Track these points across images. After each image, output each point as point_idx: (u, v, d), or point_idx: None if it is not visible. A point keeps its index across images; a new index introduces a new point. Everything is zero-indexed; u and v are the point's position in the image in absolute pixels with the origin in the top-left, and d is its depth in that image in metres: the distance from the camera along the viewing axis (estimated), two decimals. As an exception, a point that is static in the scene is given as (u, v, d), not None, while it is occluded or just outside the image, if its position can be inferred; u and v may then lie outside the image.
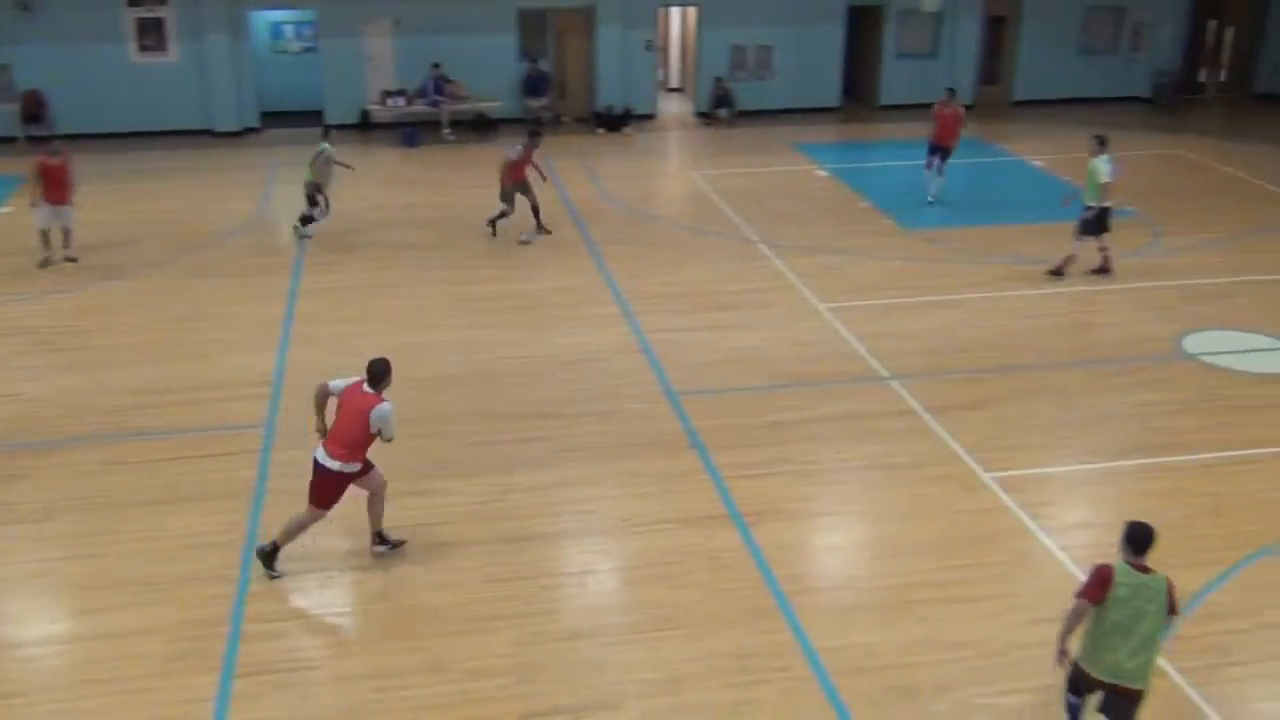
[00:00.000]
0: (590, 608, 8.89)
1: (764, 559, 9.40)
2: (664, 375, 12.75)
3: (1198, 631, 8.54)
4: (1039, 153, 22.77)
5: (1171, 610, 6.85)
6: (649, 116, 25.56)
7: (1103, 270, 15.70)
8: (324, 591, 9.02)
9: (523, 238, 17.21)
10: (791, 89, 26.01)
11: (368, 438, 8.87)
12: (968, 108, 26.17)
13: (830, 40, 25.92)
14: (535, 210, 17.44)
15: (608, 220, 18.47)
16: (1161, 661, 8.16)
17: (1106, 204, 15.28)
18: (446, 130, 23.65)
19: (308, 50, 25.24)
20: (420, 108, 23.79)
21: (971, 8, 26.25)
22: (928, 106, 26.07)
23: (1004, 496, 10.35)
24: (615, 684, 8.00)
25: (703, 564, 9.34)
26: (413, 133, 23.20)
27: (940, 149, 19.12)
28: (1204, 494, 10.36)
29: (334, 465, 8.83)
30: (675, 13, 27.94)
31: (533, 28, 24.86)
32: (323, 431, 9.09)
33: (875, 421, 11.76)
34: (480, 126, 24.00)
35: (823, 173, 21.49)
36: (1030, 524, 9.93)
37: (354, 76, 24.23)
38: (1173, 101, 27.29)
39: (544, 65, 24.84)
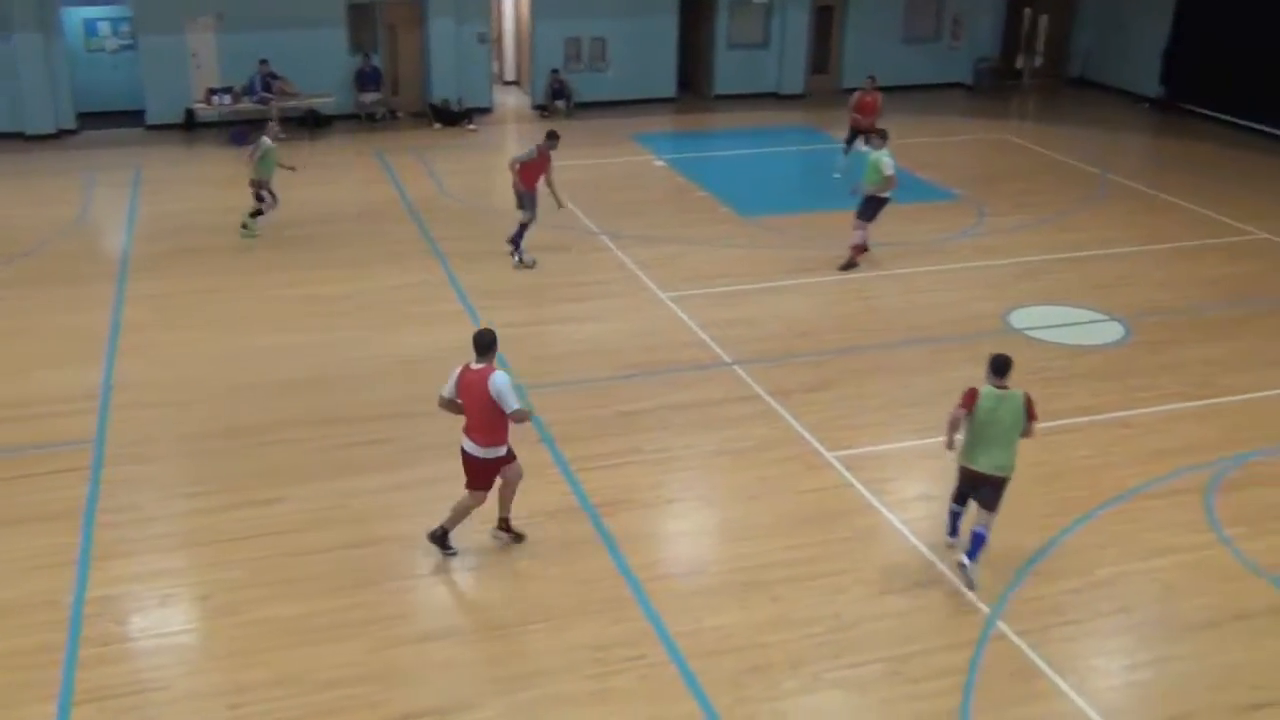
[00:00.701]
0: (444, 608, 8.80)
1: (618, 549, 9.45)
2: (511, 370, 12.67)
3: (1033, 594, 8.92)
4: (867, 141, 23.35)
5: (1029, 417, 8.77)
6: (485, 110, 25.35)
7: (850, 265, 15.86)
8: (164, 610, 8.71)
9: (524, 260, 15.91)
10: (627, 80, 26.13)
11: (499, 414, 8.77)
12: (797, 96, 26.89)
13: (664, 31, 26.13)
14: (521, 230, 15.85)
15: (448, 216, 18.26)
16: (1001, 624, 8.52)
17: (885, 195, 15.69)
18: (277, 128, 23.01)
19: (126, 48, 24.23)
20: (248, 105, 23.10)
21: (800, -1, 26.82)
22: (760, 96, 26.75)
23: (847, 474, 10.63)
24: (473, 683, 7.94)
25: (557, 557, 9.34)
26: (241, 131, 22.50)
27: (861, 132, 19.81)
28: (1034, 463, 10.78)
29: (478, 452, 8.92)
30: (508, 4, 27.77)
31: (362, 21, 24.39)
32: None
33: (721, 407, 11.94)
34: (311, 123, 23.44)
35: (661, 163, 21.66)
36: (873, 500, 10.22)
37: (176, 74, 23.36)
38: (993, 87, 28.34)
39: (375, 59, 24.41)
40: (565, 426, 11.40)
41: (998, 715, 7.67)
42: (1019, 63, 29.45)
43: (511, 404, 8.75)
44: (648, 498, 10.30)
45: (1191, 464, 10.91)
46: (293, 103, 23.33)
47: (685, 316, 14.22)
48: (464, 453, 9.06)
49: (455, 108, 24.36)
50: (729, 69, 27.03)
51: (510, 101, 26.90)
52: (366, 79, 24.19)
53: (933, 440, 11.19)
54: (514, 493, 9.39)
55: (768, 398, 12.11)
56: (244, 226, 17.04)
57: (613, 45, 25.95)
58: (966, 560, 9.05)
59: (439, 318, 14.16)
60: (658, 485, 10.52)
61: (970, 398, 8.79)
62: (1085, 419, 11.73)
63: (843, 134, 21.16)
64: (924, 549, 9.49)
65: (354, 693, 7.81)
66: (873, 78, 20.63)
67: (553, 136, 15.86)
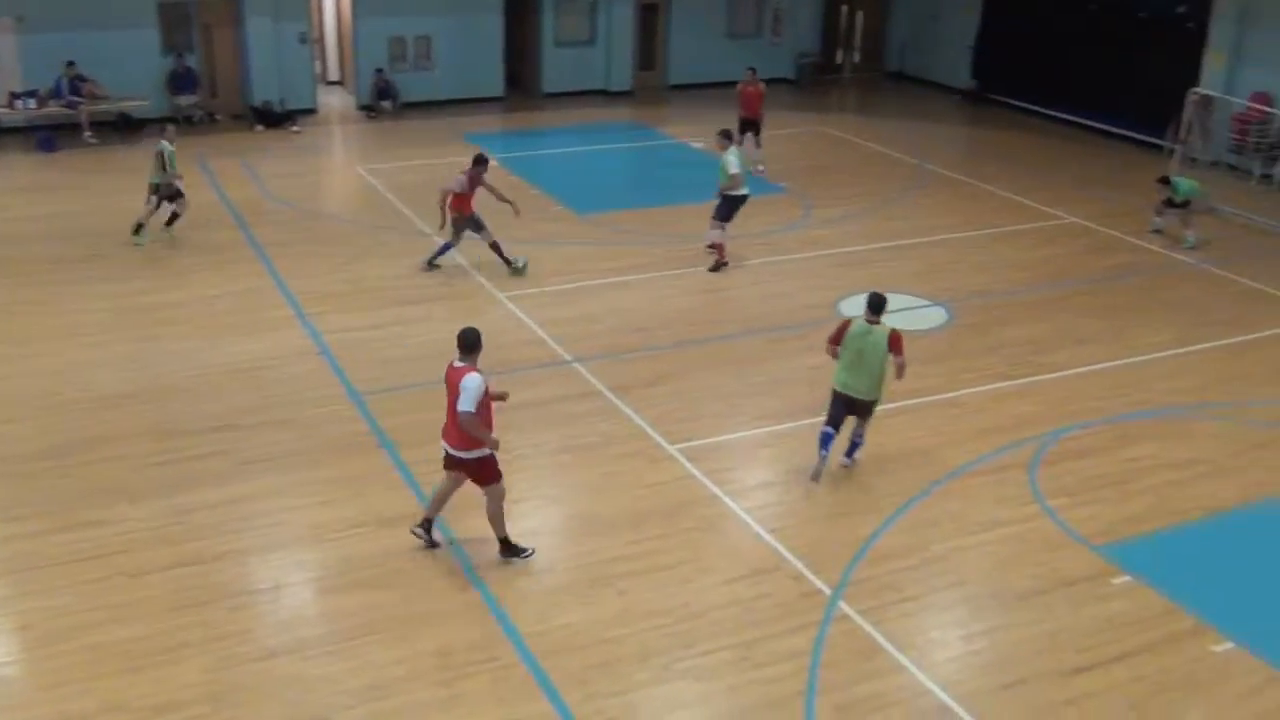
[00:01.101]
0: (286, 622, 8.57)
1: (463, 552, 9.36)
2: (345, 376, 12.43)
3: (870, 574, 9.19)
4: (695, 134, 23.65)
5: (893, 351, 9.97)
6: (310, 111, 24.76)
7: (719, 266, 15.88)
8: (-15, 641, 8.26)
9: (516, 264, 15.54)
10: (454, 79, 25.87)
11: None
12: (626, 93, 27.07)
13: (489, 29, 25.96)
14: (495, 248, 15.44)
15: (274, 220, 17.77)
16: (843, 604, 8.76)
17: (736, 193, 15.77)
18: (88, 133, 22.04)
19: (-84, 51, 22.81)
20: (55, 109, 22.03)
21: (624, -5, 26.98)
22: (589, 94, 26.83)
23: (689, 466, 10.76)
24: (320, 698, 7.75)
25: (401, 564, 9.20)
26: (49, 137, 21.45)
27: (750, 123, 20.20)
28: (871, 445, 11.12)
29: (457, 453, 8.78)
30: (329, 3, 27.15)
31: (175, 21, 23.49)
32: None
33: (563, 405, 11.94)
34: (124, 127, 22.48)
35: (492, 162, 21.45)
36: (715, 490, 10.37)
37: (-26, 78, 22.12)
38: (814, 82, 29.06)
39: (190, 61, 23.57)
40: (406, 431, 11.24)
41: (843, 693, 7.88)
42: (839, 58, 30.27)
43: (464, 404, 8.53)
44: (492, 499, 10.22)
45: (1016, 440, 11.40)
46: (103, 106, 22.33)
47: (524, 316, 14.17)
48: (445, 455, 8.95)
49: (278, 109, 23.72)
50: (556, 67, 27.03)
51: (335, 102, 26.33)
52: (181, 81, 23.34)
53: (771, 429, 11.45)
54: (500, 511, 9.21)
55: (609, 394, 12.17)
56: (168, 231, 16.52)
57: (438, 44, 25.65)
58: (848, 459, 10.65)
59: (269, 324, 13.77)
60: (502, 486, 10.45)
61: (842, 328, 10.16)
62: (915, 401, 12.12)
63: (672, 130, 21.38)
64: (766, 536, 9.67)
65: (192, 714, 7.53)
66: (753, 70, 20.94)
67: (480, 161, 15.35)
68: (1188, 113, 19.41)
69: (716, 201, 15.89)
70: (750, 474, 10.80)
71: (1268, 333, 14.27)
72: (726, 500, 10.22)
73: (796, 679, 8.00)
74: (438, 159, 21.32)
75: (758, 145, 20.66)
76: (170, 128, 16.67)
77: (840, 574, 9.18)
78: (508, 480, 10.50)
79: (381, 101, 24.93)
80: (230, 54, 24.16)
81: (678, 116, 25.55)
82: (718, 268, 15.86)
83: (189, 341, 13.28)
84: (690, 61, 28.21)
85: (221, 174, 20.03)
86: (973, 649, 8.46)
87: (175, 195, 16.42)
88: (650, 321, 14.15)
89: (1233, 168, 21.18)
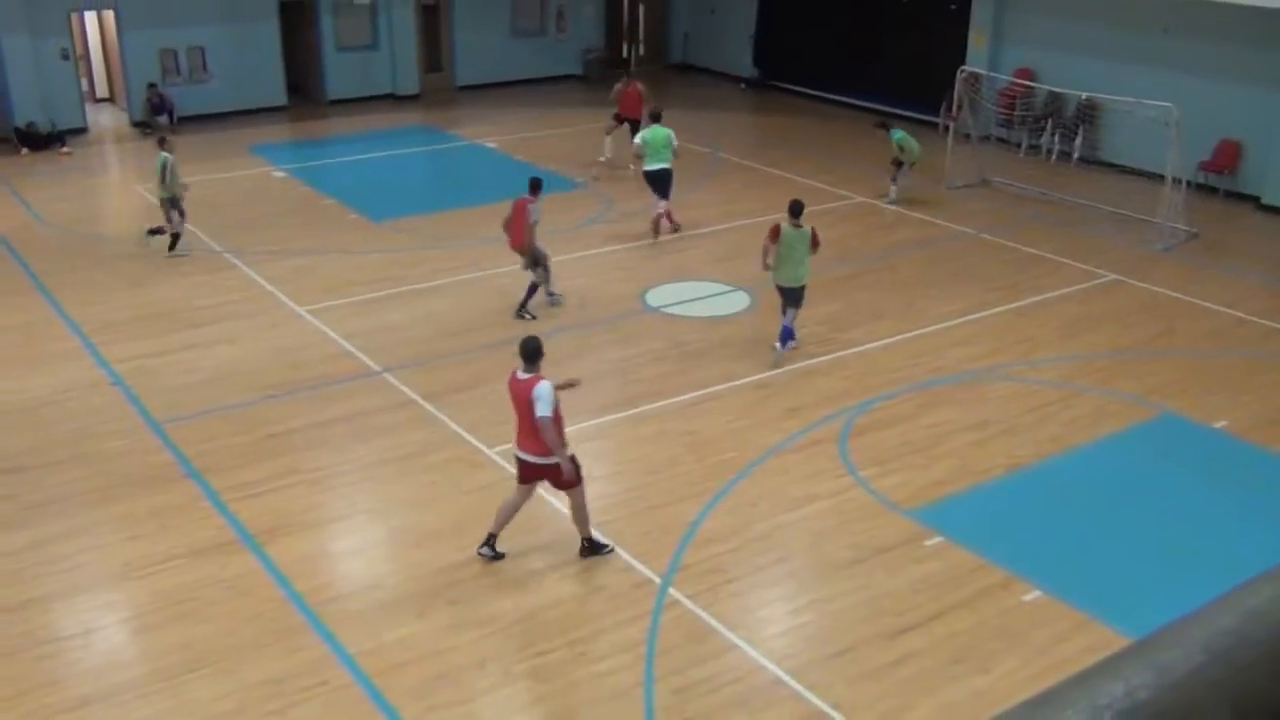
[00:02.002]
0: (99, 668, 8.14)
1: (283, 576, 9.07)
2: (143, 405, 11.87)
3: (696, 559, 9.33)
4: (489, 135, 23.56)
5: (814, 243, 12.63)
6: (80, 130, 23.50)
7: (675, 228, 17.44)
8: None
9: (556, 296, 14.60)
10: (233, 90, 24.97)
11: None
12: (413, 97, 26.69)
13: (266, 37, 25.14)
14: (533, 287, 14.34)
15: (49, 247, 16.79)
16: (673, 591, 8.87)
17: (648, 168, 17.06)
18: (171, 140, 20.25)
19: None
20: None
21: (404, -3, 26.57)
22: (376, 99, 26.33)
23: (508, 467, 10.62)
24: (142, 743, 7.40)
25: (219, 595, 8.85)
26: None
27: (629, 121, 20.52)
28: (684, 433, 11.30)
29: (534, 459, 8.90)
30: (90, 17, 25.80)
31: (-79, 42, 22.00)
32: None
33: (375, 417, 11.70)
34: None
35: (281, 173, 20.90)
36: (538, 489, 10.32)
37: None
38: (602, 76, 29.23)
39: (-58, 83, 22.09)
40: (211, 457, 10.81)
41: (679, 679, 7.98)
42: (624, 52, 30.56)
43: (542, 410, 8.62)
44: (310, 519, 9.95)
45: (824, 415, 11.76)
46: None
47: (326, 329, 13.81)
48: (520, 462, 9.09)
49: (45, 130, 22.43)
50: (340, 72, 26.42)
51: (106, 120, 25.08)
52: (-66, 105, 21.86)
53: (589, 423, 11.47)
54: (585, 512, 9.28)
55: (422, 401, 11.99)
56: (167, 247, 16.25)
57: (213, 54, 24.71)
58: (779, 346, 12.84)
59: (52, 358, 13.03)
60: (318, 505, 10.18)
61: (776, 231, 12.54)
62: (725, 385, 12.37)
63: (464, 132, 21.17)
64: (593, 530, 9.69)
65: (5, 778, 7.10)
66: (629, 71, 21.54)
67: (535, 187, 14.04)
68: (958, 90, 20.36)
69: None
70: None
71: (1048, 295, 15.12)
72: (548, 497, 10.20)
73: (634, 669, 8.06)
74: (221, 173, 20.61)
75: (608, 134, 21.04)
76: (169, 138, 16.49)
77: (668, 561, 9.29)
78: (326, 499, 10.27)
79: (157, 117, 23.84)
80: (-14, 74, 22.70)
81: (468, 118, 25.34)
82: (676, 229, 17.32)
83: (-35, 382, 12.45)
84: (477, 62, 28.01)
85: (-14, 201, 18.84)
86: (800, 622, 8.69)
87: (173, 213, 16.06)
88: (457, 325, 13.99)
89: (1003, 141, 22.34)
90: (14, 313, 14.31)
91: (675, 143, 17.20)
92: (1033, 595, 8.91)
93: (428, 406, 11.88)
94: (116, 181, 21.48)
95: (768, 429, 11.48)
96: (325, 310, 14.35)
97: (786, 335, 12.88)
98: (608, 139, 21.02)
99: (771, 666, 8.11)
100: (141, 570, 9.14)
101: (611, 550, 9.38)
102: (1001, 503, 10.34)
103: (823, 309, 14.50)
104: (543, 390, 8.71)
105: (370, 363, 12.90)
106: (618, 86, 21.29)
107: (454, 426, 11.46)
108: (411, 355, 13.11)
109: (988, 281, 15.58)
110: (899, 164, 18.57)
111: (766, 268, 12.76)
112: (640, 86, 21.18)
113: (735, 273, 15.74)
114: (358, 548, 9.75)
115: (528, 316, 14.09)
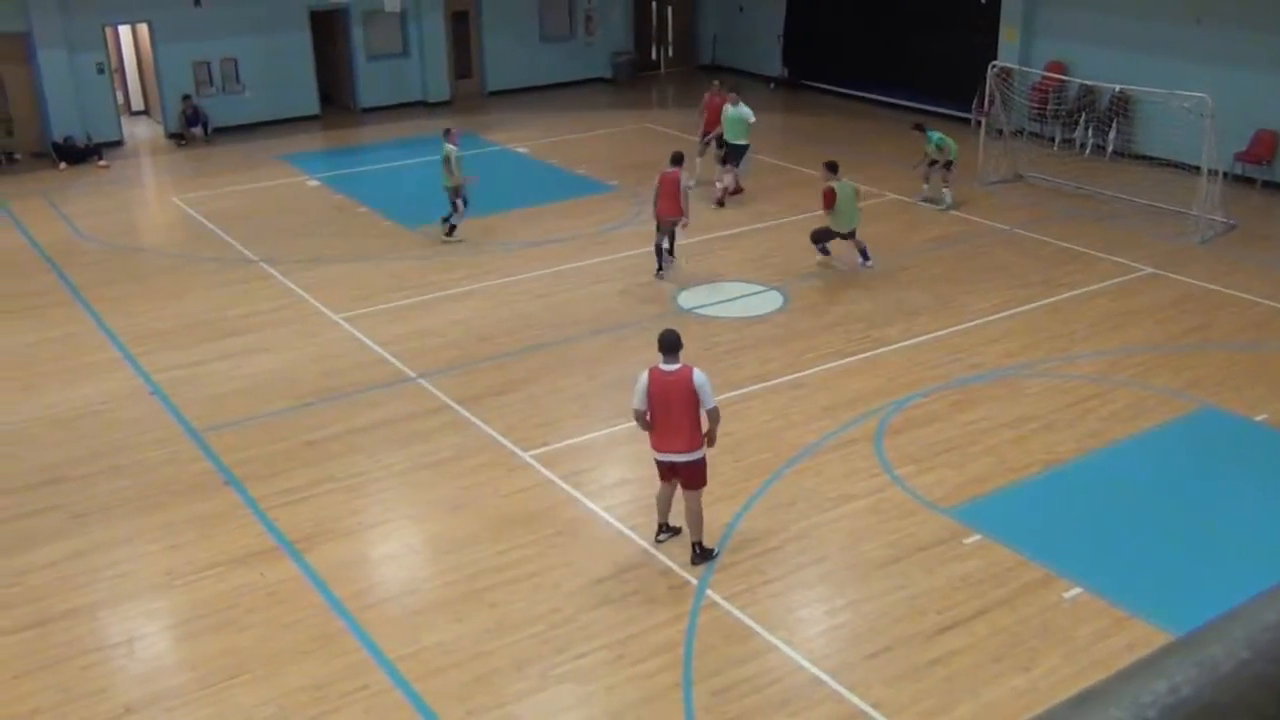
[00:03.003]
0: (144, 676, 8.23)
1: (323, 582, 9.14)
2: (182, 415, 11.99)
3: (734, 560, 9.32)
4: (520, 140, 23.63)
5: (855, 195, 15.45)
6: (116, 143, 23.78)
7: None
8: None
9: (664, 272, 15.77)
10: (266, 100, 25.19)
11: (698, 418, 8.78)
12: (445, 103, 26.82)
13: (298, 47, 25.35)
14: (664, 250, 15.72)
15: (88, 260, 17.01)
16: (710, 593, 8.86)
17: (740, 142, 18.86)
18: (457, 132, 20.47)
19: None
20: None
21: (434, 6, 26.68)
22: (408, 106, 26.48)
23: (545, 471, 10.73)
24: (187, 749, 7.47)
25: (260, 602, 8.93)
26: None
27: (715, 136, 19.74)
28: (722, 434, 11.21)
29: (683, 459, 8.86)
30: (124, 31, 26.10)
31: (-42, 59, 22.30)
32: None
33: (411, 423, 11.76)
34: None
35: (314, 182, 21.05)
36: (574, 492, 10.37)
37: None
38: (632, 79, 29.30)
39: (-18, 100, 22.40)
40: (250, 465, 10.91)
41: (718, 680, 7.97)
42: (653, 54, 30.58)
43: (710, 401, 8.66)
44: (348, 525, 10.01)
45: (859, 414, 11.71)
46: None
47: (362, 336, 13.90)
48: (667, 465, 8.98)
49: (82, 144, 22.70)
50: (372, 81, 26.59)
51: (142, 132, 25.37)
52: (-27, 122, 22.16)
53: (623, 427, 11.48)
54: (701, 514, 9.22)
55: (457, 406, 12.04)
56: (443, 235, 17.19)
57: (246, 66, 24.94)
58: (863, 261, 15.68)
59: (91, 369, 13.18)
60: (357, 511, 10.25)
61: (830, 195, 15.22)
62: (760, 385, 12.35)
63: (495, 137, 21.20)
64: (630, 533, 9.71)
65: (53, 785, 7.18)
66: (718, 83, 20.67)
67: (677, 160, 15.62)
68: (990, 85, 20.23)
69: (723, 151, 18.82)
70: (608, 473, 10.83)
71: (1082, 290, 15.00)
72: (586, 502, 10.23)
73: (672, 671, 8.06)
74: (255, 183, 20.80)
75: (700, 153, 20.16)
76: (453, 131, 17.05)
77: (711, 542, 9.28)
78: (363, 504, 10.35)
79: (191, 129, 24.11)
80: (25, 90, 23.01)
81: (499, 123, 25.43)
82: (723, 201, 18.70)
83: (5, 395, 12.62)
84: (507, 67, 28.12)
85: (26, 216, 19.09)
86: (838, 622, 8.66)
87: (458, 201, 16.93)
88: (493, 330, 14.05)
89: (1036, 135, 22.18)
90: (55, 325, 14.50)
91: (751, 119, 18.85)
92: (1074, 592, 8.83)
93: (463, 411, 11.93)
94: (153, 193, 21.71)
95: (802, 428, 11.45)
96: (360, 317, 14.45)
97: (864, 254, 15.58)
98: (698, 160, 19.88)
99: (810, 667, 8.09)
100: (183, 578, 9.23)
101: (718, 554, 9.32)
102: (1040, 499, 10.26)
103: (857, 307, 14.46)
104: (703, 379, 8.70)
105: (405, 369, 12.97)
106: (706, 96, 20.28)
107: (490, 431, 11.50)
108: (446, 360, 13.17)
109: (1022, 277, 15.48)
110: (934, 163, 18.37)
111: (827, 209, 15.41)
112: (728, 94, 19.99)
113: (768, 272, 15.72)
114: (396, 553, 9.80)
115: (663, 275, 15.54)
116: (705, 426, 8.96)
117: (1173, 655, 1.50)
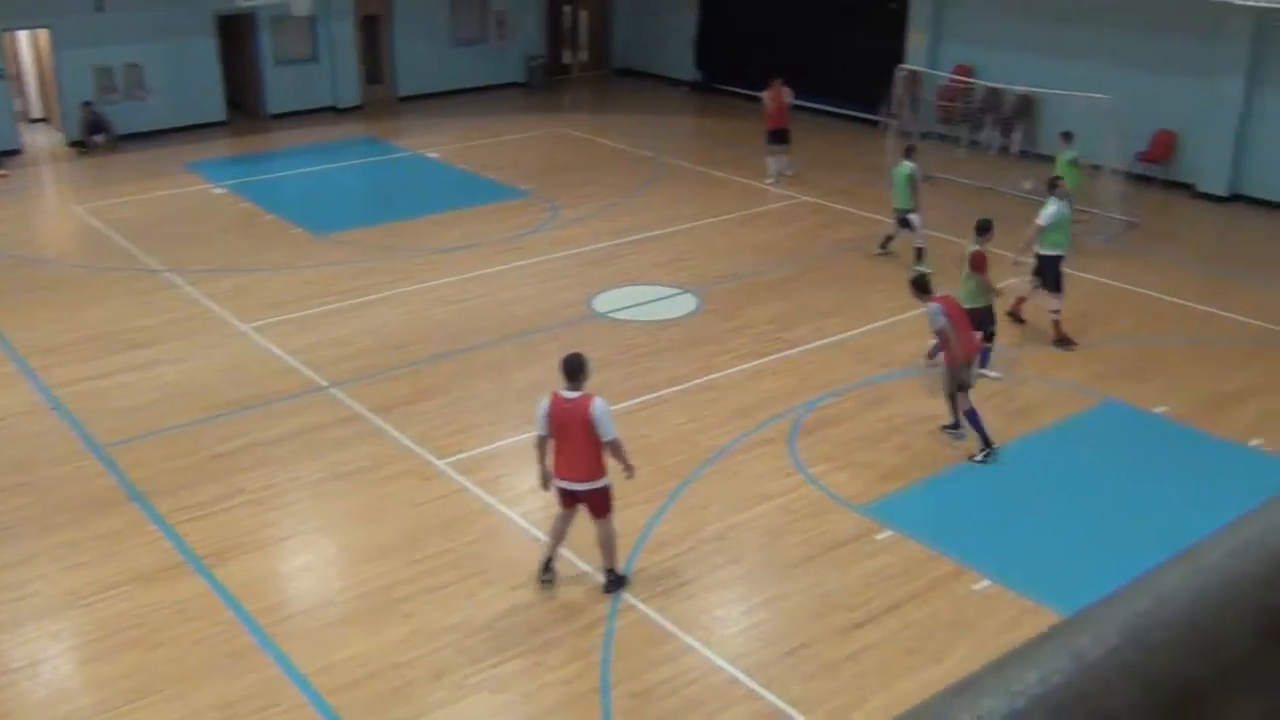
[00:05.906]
0: (47, 699, 8.00)
1: (233, 598, 8.97)
2: (85, 429, 11.69)
3: (650, 562, 9.34)
4: (432, 145, 23.44)
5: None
6: (14, 152, 23.11)
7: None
8: None
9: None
10: (172, 107, 24.65)
11: (598, 443, 8.37)
12: (355, 109, 26.52)
13: (204, 53, 24.84)
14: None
15: (-15, 272, 16.52)
16: (627, 595, 8.85)
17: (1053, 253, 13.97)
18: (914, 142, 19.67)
19: None
20: None
21: (343, 10, 26.33)
22: (317, 111, 26.11)
23: (460, 479, 10.65)
24: (92, 773, 7.28)
25: (168, 620, 8.73)
26: None
27: (779, 132, 19.73)
28: (636, 437, 11.23)
29: (581, 487, 8.51)
30: (23, 36, 25.38)
31: None
32: (546, 479, 8.66)
33: (324, 432, 11.60)
34: None
35: (221, 190, 20.66)
36: (489, 499, 10.31)
37: None
38: (545, 83, 29.22)
39: None
40: (156, 480, 10.67)
41: (636, 683, 7.97)
42: (566, 58, 30.55)
43: (610, 432, 8.30)
44: (259, 539, 9.84)
45: (773, 415, 11.80)
46: None
47: (271, 346, 13.68)
48: (569, 493, 8.62)
49: (-24, 153, 22.04)
50: (280, 86, 26.15)
51: (41, 140, 24.68)
52: None
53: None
54: (614, 542, 8.93)
55: (370, 415, 11.90)
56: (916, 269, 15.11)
57: (150, 71, 24.37)
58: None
59: (-9, 384, 12.81)
60: (268, 524, 10.07)
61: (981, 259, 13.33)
62: (674, 388, 12.38)
63: (406, 143, 21.03)
64: (546, 539, 9.65)
65: (-49, 815, 6.96)
66: (779, 79, 20.25)
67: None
68: (898, 89, 20.51)
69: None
70: (523, 480, 10.72)
71: (989, 288, 15.23)
72: (502, 509, 10.18)
73: (590, 676, 8.04)
74: (160, 191, 20.36)
75: (771, 154, 20.21)
76: (914, 150, 16.30)
77: (622, 567, 9.27)
78: (275, 517, 10.18)
79: (94, 136, 23.50)
80: (-85, 97, 22.28)
81: (410, 128, 25.20)
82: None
83: (-100, 412, 12.21)
84: (419, 72, 27.85)
85: (-81, 227, 18.49)
86: (754, 621, 8.72)
87: (910, 218, 16.00)
88: (405, 337, 13.91)
89: (944, 137, 22.54)
90: (-50, 340, 14.04)
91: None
92: (982, 584, 8.99)
93: (377, 420, 11.80)
94: (53, 203, 21.16)
95: (717, 430, 11.50)
96: (269, 326, 14.21)
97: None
98: (769, 160, 20.18)
99: (728, 666, 8.13)
100: (87, 598, 9.00)
101: (628, 582, 9.04)
102: (950, 494, 10.44)
103: (768, 308, 14.57)
104: (602, 410, 8.33)
105: (317, 378, 12.79)
106: (766, 95, 20.14)
107: (404, 440, 11.38)
108: (358, 369, 13.01)
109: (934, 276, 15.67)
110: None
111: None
112: (785, 91, 20.03)
113: (681, 275, 15.78)
114: (308, 565, 9.66)
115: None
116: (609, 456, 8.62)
117: (1047, 644, 1.52)
